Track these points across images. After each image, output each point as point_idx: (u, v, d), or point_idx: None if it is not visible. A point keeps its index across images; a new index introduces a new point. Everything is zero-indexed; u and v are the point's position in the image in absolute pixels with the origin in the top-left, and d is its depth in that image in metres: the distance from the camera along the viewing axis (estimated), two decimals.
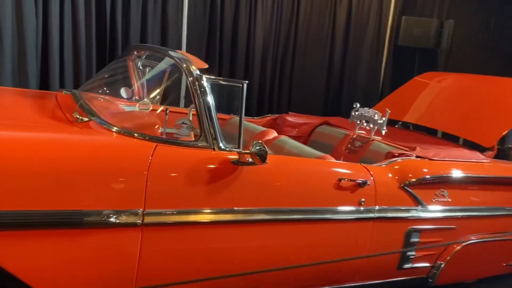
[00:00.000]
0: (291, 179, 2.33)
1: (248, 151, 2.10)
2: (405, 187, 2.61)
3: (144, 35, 4.64)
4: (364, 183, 2.45)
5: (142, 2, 4.59)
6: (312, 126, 4.14)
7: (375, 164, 2.66)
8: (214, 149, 2.15)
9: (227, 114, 3.99)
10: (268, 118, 4.20)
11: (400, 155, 2.84)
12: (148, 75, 3.55)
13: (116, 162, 1.92)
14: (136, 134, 2.10)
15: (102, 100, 2.82)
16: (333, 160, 2.63)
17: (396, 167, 2.67)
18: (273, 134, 3.27)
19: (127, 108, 3.15)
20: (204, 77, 2.20)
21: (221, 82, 2.28)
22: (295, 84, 5.62)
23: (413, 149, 3.15)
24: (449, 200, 2.78)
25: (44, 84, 4.19)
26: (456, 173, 2.81)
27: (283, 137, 3.16)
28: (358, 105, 3.74)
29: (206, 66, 2.43)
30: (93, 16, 4.32)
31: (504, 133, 3.46)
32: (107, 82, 3.46)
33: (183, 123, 2.28)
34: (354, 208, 2.44)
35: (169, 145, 2.09)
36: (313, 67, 5.65)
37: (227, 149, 2.17)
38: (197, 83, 2.17)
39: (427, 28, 5.68)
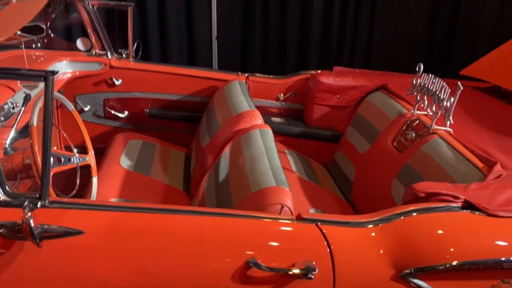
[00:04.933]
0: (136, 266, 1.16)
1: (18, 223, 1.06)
2: (410, 278, 1.25)
3: None
4: (306, 273, 1.20)
5: None
6: (362, 91, 2.74)
7: (351, 220, 1.31)
8: None
9: (231, 73, 2.87)
10: (298, 77, 2.92)
11: (428, 196, 1.42)
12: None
13: None
14: None
15: None
16: (284, 202, 1.38)
17: (402, 230, 1.30)
18: (254, 121, 2.12)
19: None
20: None
21: None
22: (379, 23, 3.80)
23: (488, 163, 1.67)
24: None
25: None
26: None
27: (256, 131, 1.97)
28: (422, 67, 2.23)
29: None
30: None
31: None
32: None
33: None
34: None
35: None
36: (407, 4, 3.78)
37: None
38: None
39: None
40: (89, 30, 2.65)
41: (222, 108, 2.39)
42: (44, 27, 2.53)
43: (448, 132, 1.99)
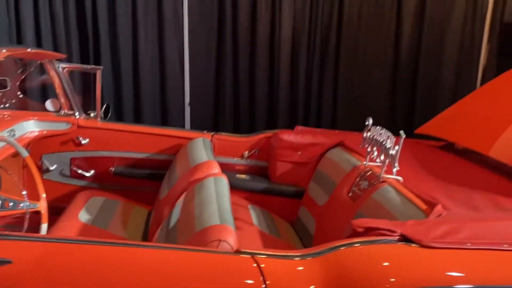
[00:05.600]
0: None
1: None
2: None
3: (135, 32, 3.82)
4: None
5: None
6: (322, 148, 2.84)
7: (288, 254, 1.34)
8: None
9: (196, 131, 2.98)
10: (261, 135, 3.03)
11: (368, 231, 1.47)
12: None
13: None
14: None
15: None
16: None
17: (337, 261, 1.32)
18: (210, 170, 2.16)
19: None
20: None
21: None
22: (342, 89, 4.08)
23: (431, 205, 1.73)
24: None
25: None
26: (491, 280, 1.33)
27: (210, 179, 2.02)
28: (371, 121, 2.35)
29: None
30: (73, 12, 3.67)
31: None
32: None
33: None
34: None
35: None
36: (369, 63, 4.07)
37: None
38: None
39: None
40: (58, 91, 2.77)
41: (183, 162, 2.46)
42: (7, 83, 2.64)
43: (397, 180, 2.07)
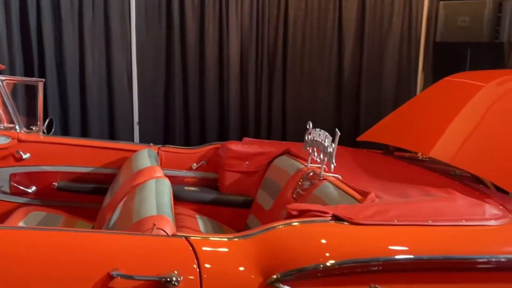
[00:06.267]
0: None
1: None
2: (278, 284, 1.27)
3: (82, 50, 3.81)
4: (170, 281, 1.19)
5: (78, 10, 3.78)
6: (269, 157, 2.89)
7: (223, 237, 1.37)
8: None
9: (142, 144, 2.96)
10: (209, 147, 3.05)
11: (302, 213, 1.51)
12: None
13: None
14: None
15: None
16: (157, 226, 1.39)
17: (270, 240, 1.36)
18: (152, 174, 2.15)
19: None
20: None
21: None
22: (291, 108, 4.25)
23: (364, 195, 1.81)
24: None
25: None
26: (417, 251, 1.40)
27: (152, 181, 2.01)
28: (311, 125, 2.44)
29: None
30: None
31: None
32: None
33: None
34: None
35: None
36: (315, 80, 4.27)
37: None
38: None
39: (478, 14, 4.07)
40: None
41: (126, 171, 2.43)
42: None
43: (337, 177, 2.15)
